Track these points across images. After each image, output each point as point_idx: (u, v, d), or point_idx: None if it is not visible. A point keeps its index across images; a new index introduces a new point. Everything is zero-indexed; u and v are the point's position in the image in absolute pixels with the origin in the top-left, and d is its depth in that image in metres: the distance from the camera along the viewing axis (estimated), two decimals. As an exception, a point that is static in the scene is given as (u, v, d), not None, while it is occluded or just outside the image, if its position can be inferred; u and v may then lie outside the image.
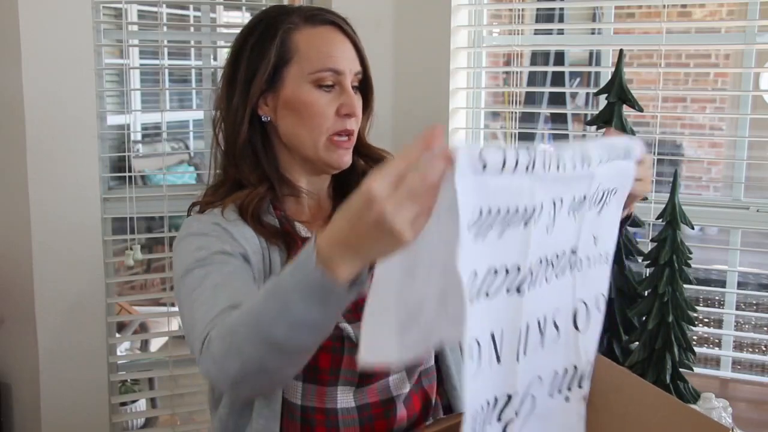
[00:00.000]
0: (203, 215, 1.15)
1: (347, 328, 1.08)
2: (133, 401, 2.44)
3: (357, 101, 1.17)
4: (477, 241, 0.70)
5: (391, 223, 0.67)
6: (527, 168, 0.71)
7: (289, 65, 1.13)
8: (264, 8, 1.23)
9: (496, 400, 0.78)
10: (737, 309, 2.11)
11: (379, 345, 0.74)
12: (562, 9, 3.88)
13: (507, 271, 0.75)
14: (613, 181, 0.89)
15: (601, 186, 0.87)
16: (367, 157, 1.25)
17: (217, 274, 1.01)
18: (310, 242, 0.77)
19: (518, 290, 0.77)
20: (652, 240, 1.66)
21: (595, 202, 0.87)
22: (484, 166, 0.67)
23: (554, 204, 0.79)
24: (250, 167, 1.17)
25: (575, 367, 0.90)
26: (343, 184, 1.24)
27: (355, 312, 1.10)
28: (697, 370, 1.71)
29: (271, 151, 1.19)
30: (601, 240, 0.91)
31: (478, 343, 0.72)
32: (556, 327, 0.86)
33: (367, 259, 0.74)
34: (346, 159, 1.16)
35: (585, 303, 0.90)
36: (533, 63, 2.82)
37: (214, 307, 0.95)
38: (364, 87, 1.20)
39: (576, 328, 0.89)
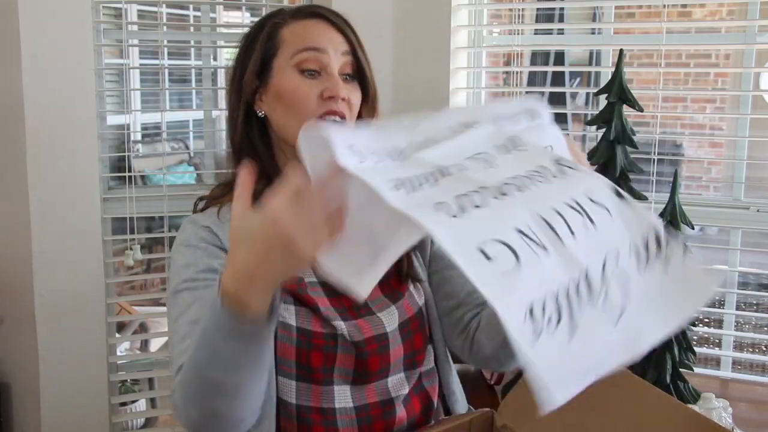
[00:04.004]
0: (199, 216, 1.16)
1: (341, 326, 1.08)
2: (133, 401, 2.44)
3: (351, 91, 1.14)
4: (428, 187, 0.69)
5: (294, 237, 0.70)
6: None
7: (275, 57, 1.14)
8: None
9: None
10: (737, 309, 2.11)
11: (342, 261, 0.73)
12: (562, 9, 3.88)
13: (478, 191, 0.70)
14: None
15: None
16: None
17: (198, 307, 1.03)
18: (218, 284, 0.79)
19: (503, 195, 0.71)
20: (652, 240, 1.66)
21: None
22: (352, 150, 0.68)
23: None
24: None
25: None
26: None
27: (350, 310, 1.11)
28: (697, 370, 1.70)
29: (270, 147, 1.19)
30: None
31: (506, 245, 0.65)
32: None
33: (271, 284, 0.76)
34: None
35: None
36: (533, 63, 2.81)
37: (185, 352, 0.97)
38: (361, 79, 1.17)
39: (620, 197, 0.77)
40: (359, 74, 1.17)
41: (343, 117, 1.13)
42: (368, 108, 1.21)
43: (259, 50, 1.15)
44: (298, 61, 1.12)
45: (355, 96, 1.16)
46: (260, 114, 1.17)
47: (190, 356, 0.88)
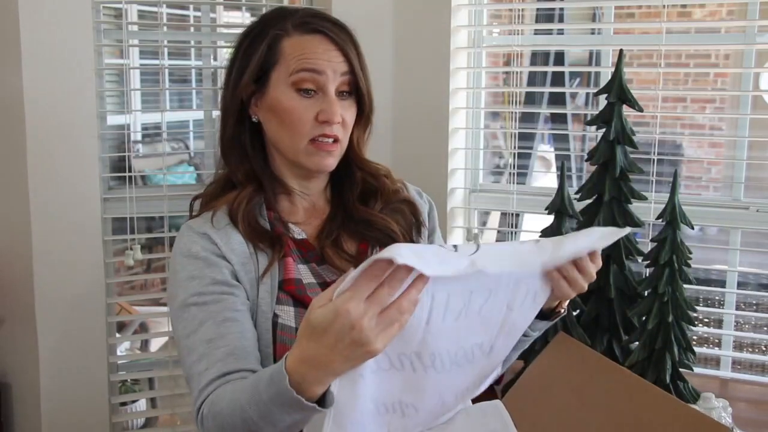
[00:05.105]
0: (195, 222, 1.16)
1: None
2: (133, 401, 2.44)
3: (347, 108, 1.16)
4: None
5: (368, 339, 0.74)
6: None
7: (274, 68, 1.14)
8: (265, 12, 1.23)
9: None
10: (737, 309, 2.11)
11: None
12: (562, 9, 3.87)
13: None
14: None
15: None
16: (363, 170, 1.24)
17: (211, 324, 1.04)
18: (282, 361, 0.82)
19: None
20: (652, 240, 1.66)
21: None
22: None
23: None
24: (237, 163, 1.18)
25: None
26: (341, 186, 1.24)
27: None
28: (697, 370, 1.70)
29: (262, 151, 1.20)
30: None
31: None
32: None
33: (336, 373, 0.80)
34: (327, 162, 1.15)
35: None
36: (533, 63, 2.81)
37: (207, 372, 0.99)
38: (358, 95, 1.18)
39: None
40: (356, 91, 1.17)
41: (336, 139, 1.14)
42: (363, 121, 1.21)
43: (258, 58, 1.14)
44: (296, 80, 1.13)
45: (350, 114, 1.17)
46: (254, 119, 1.18)
47: (234, 402, 0.90)
